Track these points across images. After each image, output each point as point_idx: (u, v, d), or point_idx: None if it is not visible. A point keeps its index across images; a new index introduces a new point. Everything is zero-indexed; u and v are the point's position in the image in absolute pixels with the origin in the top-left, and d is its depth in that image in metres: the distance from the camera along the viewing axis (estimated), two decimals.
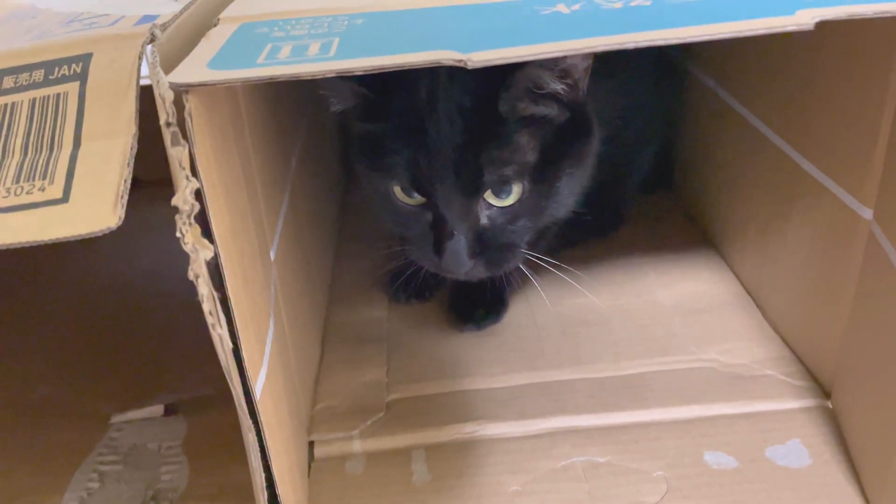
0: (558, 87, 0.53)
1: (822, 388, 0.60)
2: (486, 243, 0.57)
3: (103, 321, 0.79)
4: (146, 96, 0.35)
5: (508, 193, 0.56)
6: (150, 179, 0.63)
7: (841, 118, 0.54)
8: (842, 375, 0.57)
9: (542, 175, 0.56)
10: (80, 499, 0.57)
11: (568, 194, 0.59)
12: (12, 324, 0.80)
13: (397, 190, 0.57)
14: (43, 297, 0.84)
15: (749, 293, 0.72)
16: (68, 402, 0.68)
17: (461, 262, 0.56)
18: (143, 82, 0.36)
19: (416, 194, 0.57)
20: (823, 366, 0.60)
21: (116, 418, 0.65)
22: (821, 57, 0.56)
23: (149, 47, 0.37)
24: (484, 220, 0.56)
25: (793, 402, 0.59)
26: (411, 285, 0.72)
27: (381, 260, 0.76)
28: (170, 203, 0.33)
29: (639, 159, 0.80)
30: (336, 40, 0.36)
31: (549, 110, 0.55)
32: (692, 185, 0.86)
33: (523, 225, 0.58)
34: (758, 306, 0.70)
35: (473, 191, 0.54)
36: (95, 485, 0.59)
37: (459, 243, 0.55)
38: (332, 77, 0.52)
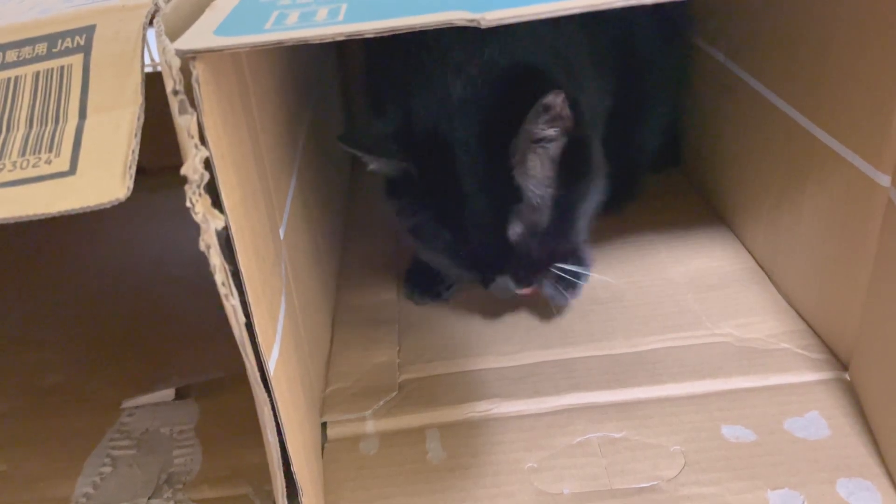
0: (551, 132, 0.56)
1: (840, 361, 0.59)
2: (523, 271, 0.61)
3: (113, 308, 0.79)
4: (149, 85, 0.35)
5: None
6: (155, 167, 0.63)
7: (856, 86, 0.53)
8: (860, 346, 0.56)
9: (563, 205, 0.59)
10: (94, 484, 0.57)
11: (588, 209, 0.62)
12: (23, 313, 0.80)
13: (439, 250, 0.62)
14: (52, 286, 0.84)
15: (762, 267, 0.72)
16: (79, 389, 0.68)
17: (509, 291, 0.61)
18: (147, 70, 0.36)
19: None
20: (841, 337, 0.59)
21: (128, 403, 0.65)
22: (835, 25, 0.55)
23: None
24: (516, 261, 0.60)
25: (810, 374, 0.59)
26: (426, 286, 0.72)
27: (391, 253, 0.78)
28: (175, 191, 0.32)
29: (649, 128, 0.79)
30: (344, 6, 0.35)
31: (552, 150, 0.58)
32: (702, 161, 0.86)
33: (553, 250, 0.61)
34: (771, 280, 0.70)
35: (506, 253, 0.59)
36: (108, 469, 0.58)
37: (502, 282, 0.61)
38: (378, 156, 0.58)
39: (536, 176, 0.57)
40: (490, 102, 0.56)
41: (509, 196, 0.57)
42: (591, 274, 0.67)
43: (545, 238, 0.59)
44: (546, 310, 0.69)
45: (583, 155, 0.60)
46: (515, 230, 0.58)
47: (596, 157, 0.62)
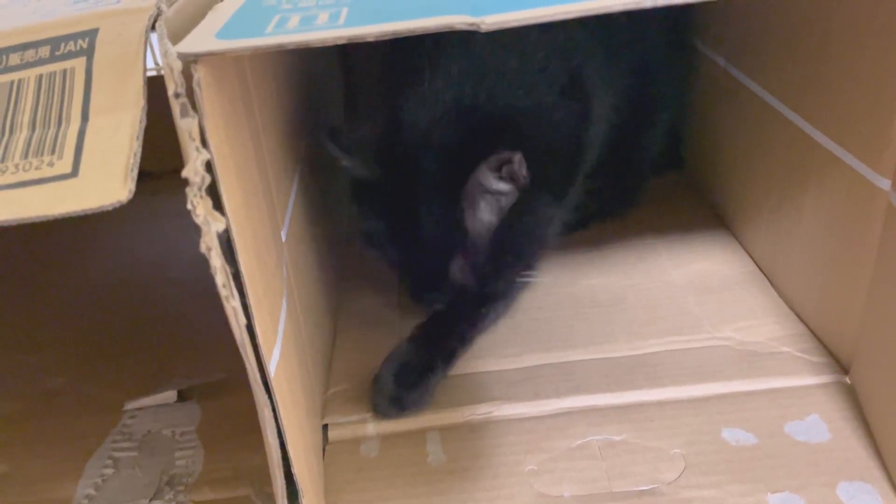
0: (503, 186, 0.57)
1: (840, 364, 0.59)
2: (450, 289, 0.62)
3: (115, 310, 0.79)
4: (151, 88, 0.35)
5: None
6: (158, 171, 0.63)
7: (857, 89, 0.53)
8: (861, 349, 0.56)
9: (501, 243, 0.60)
10: (96, 485, 0.57)
11: (528, 253, 0.64)
12: (25, 315, 0.80)
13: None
14: (54, 288, 0.84)
15: (763, 271, 0.72)
16: (82, 391, 0.68)
17: (437, 304, 0.65)
18: (150, 73, 0.36)
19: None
20: (841, 341, 0.59)
21: (130, 405, 0.65)
22: (835, 28, 0.55)
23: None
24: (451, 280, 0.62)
25: (810, 378, 0.59)
26: None
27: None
28: (177, 195, 0.33)
29: (652, 134, 0.79)
30: (345, 10, 0.36)
31: (502, 200, 0.59)
32: (703, 165, 0.86)
33: (487, 278, 0.63)
34: (772, 284, 0.70)
35: (443, 278, 0.61)
36: (110, 471, 0.59)
37: (435, 299, 0.64)
38: (352, 158, 0.59)
39: (483, 221, 0.59)
40: (461, 140, 0.57)
41: (457, 233, 0.59)
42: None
43: (481, 271, 0.61)
44: (543, 311, 0.69)
45: (531, 214, 0.61)
46: (456, 265, 0.60)
47: (542, 221, 0.63)
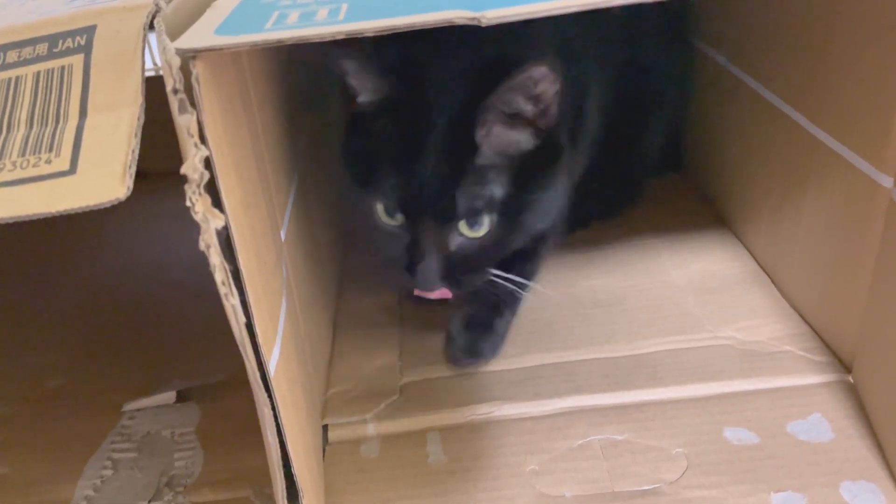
0: (530, 109, 0.55)
1: (842, 363, 0.59)
2: (456, 267, 0.58)
3: (113, 311, 0.78)
4: (150, 88, 0.35)
5: (480, 225, 0.57)
6: (156, 171, 0.63)
7: (858, 87, 0.53)
8: (863, 348, 0.56)
9: (511, 208, 0.58)
10: (94, 486, 0.57)
11: (536, 223, 0.61)
12: (24, 317, 0.80)
13: (380, 208, 0.59)
14: (53, 290, 0.84)
15: (764, 270, 0.71)
16: (81, 392, 0.67)
17: (432, 283, 0.58)
18: (148, 74, 0.36)
19: (398, 215, 0.58)
20: (843, 340, 0.59)
21: (129, 406, 0.64)
22: (835, 26, 0.55)
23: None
24: (453, 248, 0.58)
25: (813, 377, 0.59)
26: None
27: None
28: (176, 195, 0.32)
29: (650, 133, 0.79)
30: (345, 6, 0.35)
31: (521, 137, 0.56)
32: (703, 164, 0.85)
33: (490, 253, 0.60)
34: (773, 283, 0.70)
35: (447, 220, 0.57)
36: (109, 472, 0.58)
37: (430, 266, 0.57)
38: (361, 68, 0.54)
39: (494, 145, 0.55)
40: (482, 59, 0.55)
41: (467, 160, 0.55)
42: (528, 290, 0.65)
43: (486, 237, 0.58)
44: (544, 311, 0.68)
45: (551, 164, 0.59)
46: (463, 197, 0.55)
47: (562, 174, 0.60)
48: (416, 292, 0.63)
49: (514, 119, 0.55)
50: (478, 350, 0.62)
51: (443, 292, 0.61)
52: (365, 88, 0.57)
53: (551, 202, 0.60)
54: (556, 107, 0.55)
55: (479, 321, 0.64)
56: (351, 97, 0.57)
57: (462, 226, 0.57)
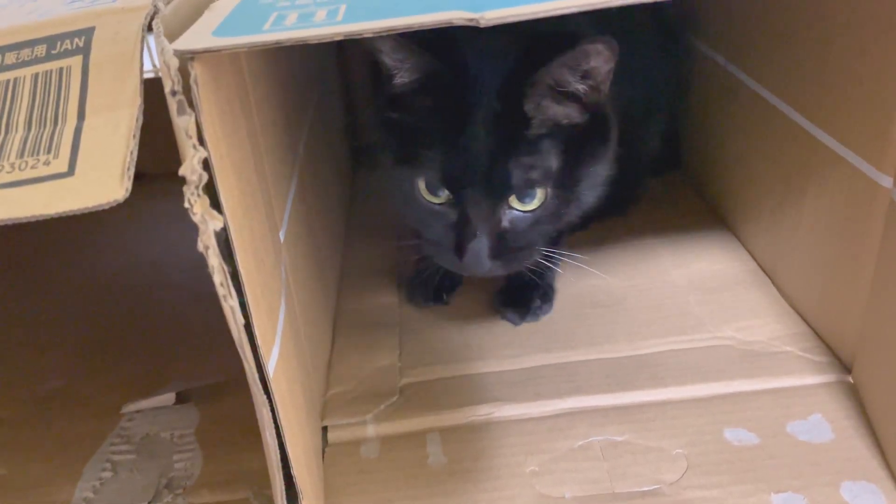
0: (580, 87, 0.54)
1: (842, 363, 0.59)
2: (507, 245, 0.57)
3: (112, 313, 0.78)
4: (148, 90, 0.35)
5: (532, 198, 0.56)
6: (155, 173, 0.63)
7: (857, 87, 0.53)
8: (863, 348, 0.56)
9: (564, 180, 0.57)
10: (94, 488, 0.57)
11: (588, 196, 0.61)
12: (23, 317, 0.80)
13: (422, 186, 0.57)
14: (52, 291, 0.84)
15: (764, 270, 0.71)
16: (79, 394, 0.67)
17: (482, 264, 0.56)
18: (147, 75, 0.35)
19: (442, 192, 0.57)
20: (843, 340, 0.59)
21: (128, 408, 0.64)
22: (835, 26, 0.55)
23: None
24: (506, 224, 0.57)
25: (813, 377, 0.58)
26: (428, 288, 0.72)
27: (392, 257, 0.77)
28: (175, 197, 0.32)
29: (648, 131, 0.79)
30: (343, 6, 0.35)
31: (571, 111, 0.56)
32: (703, 164, 0.85)
33: (543, 228, 0.59)
34: (773, 283, 0.69)
35: (500, 195, 0.55)
36: (108, 474, 0.58)
37: (481, 244, 0.56)
38: (398, 46, 0.53)
39: (545, 117, 0.54)
40: (531, 38, 0.54)
41: (517, 125, 0.54)
42: (559, 270, 0.68)
43: (539, 210, 0.57)
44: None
45: (601, 136, 0.58)
46: (517, 169, 0.54)
47: (611, 148, 0.60)
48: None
49: (564, 94, 0.54)
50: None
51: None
52: (402, 66, 0.55)
53: (602, 175, 0.60)
54: (607, 84, 0.55)
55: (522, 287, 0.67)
56: (387, 76, 0.56)
57: (513, 200, 0.56)
